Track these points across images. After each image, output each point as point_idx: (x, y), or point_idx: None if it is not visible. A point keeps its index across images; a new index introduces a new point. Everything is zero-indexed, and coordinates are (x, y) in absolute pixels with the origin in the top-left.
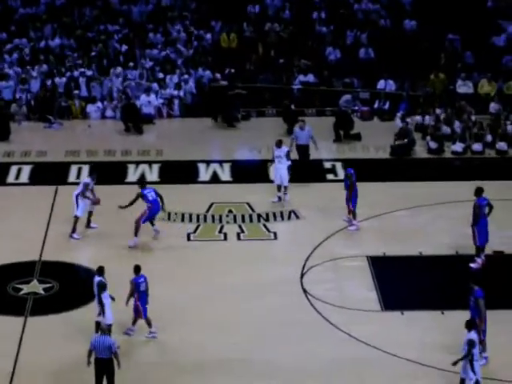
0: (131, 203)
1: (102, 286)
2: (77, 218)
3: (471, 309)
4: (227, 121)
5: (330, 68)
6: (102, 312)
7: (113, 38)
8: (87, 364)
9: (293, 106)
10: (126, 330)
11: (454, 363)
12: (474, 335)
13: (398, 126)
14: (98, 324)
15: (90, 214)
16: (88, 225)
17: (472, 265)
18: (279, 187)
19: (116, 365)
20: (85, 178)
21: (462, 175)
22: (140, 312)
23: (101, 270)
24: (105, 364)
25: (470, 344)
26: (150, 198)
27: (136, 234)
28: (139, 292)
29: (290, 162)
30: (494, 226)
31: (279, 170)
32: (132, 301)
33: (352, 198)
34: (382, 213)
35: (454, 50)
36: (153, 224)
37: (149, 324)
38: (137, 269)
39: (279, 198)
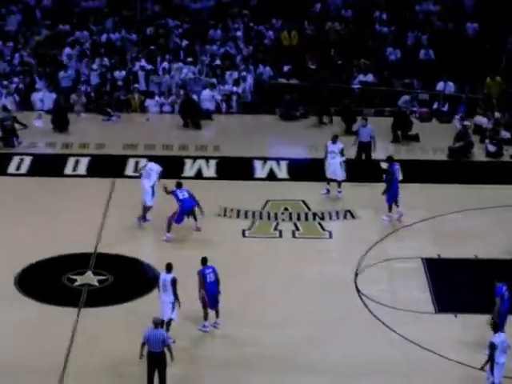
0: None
1: (175, 283)
2: (149, 207)
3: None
4: (283, 118)
5: (389, 68)
6: (173, 308)
7: (173, 33)
8: (139, 357)
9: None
10: (200, 327)
11: (481, 367)
12: (496, 338)
13: (456, 128)
14: (169, 322)
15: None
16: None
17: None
18: (329, 180)
19: (169, 358)
20: (155, 166)
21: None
22: (206, 303)
23: (170, 267)
24: (157, 357)
25: (491, 347)
26: (181, 197)
27: (168, 231)
28: (206, 283)
29: (344, 158)
30: None
31: (333, 165)
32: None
33: (388, 193)
34: (438, 215)
35: None
36: (195, 219)
37: (205, 317)
38: (204, 260)
39: (327, 191)
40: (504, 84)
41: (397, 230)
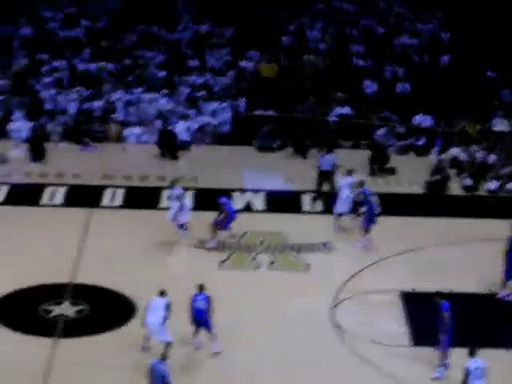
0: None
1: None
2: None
3: (438, 323)
4: (261, 149)
5: (366, 101)
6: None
7: (151, 64)
8: None
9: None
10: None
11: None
12: (471, 363)
13: (433, 162)
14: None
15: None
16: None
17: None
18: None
19: None
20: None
21: (496, 213)
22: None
23: (164, 292)
24: None
25: (466, 372)
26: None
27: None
28: (193, 308)
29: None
30: None
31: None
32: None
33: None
34: (415, 248)
35: (491, 87)
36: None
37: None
38: (200, 287)
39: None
40: (480, 130)
41: (374, 262)
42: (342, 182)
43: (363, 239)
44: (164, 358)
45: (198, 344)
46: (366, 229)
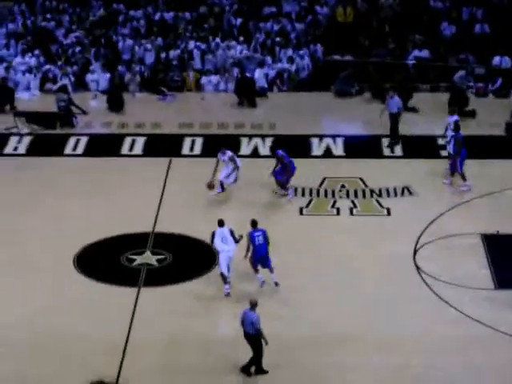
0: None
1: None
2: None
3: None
4: (339, 95)
5: (444, 43)
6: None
7: (226, 11)
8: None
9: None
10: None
11: None
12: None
13: None
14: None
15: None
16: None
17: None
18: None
19: (264, 342)
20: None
21: None
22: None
23: (222, 222)
24: (249, 339)
25: None
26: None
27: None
28: (255, 245)
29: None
30: None
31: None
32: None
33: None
34: (497, 190)
35: None
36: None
37: (256, 272)
38: (253, 223)
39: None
40: None
41: (455, 206)
42: (448, 120)
43: (465, 183)
44: (254, 305)
45: (262, 278)
46: (462, 174)
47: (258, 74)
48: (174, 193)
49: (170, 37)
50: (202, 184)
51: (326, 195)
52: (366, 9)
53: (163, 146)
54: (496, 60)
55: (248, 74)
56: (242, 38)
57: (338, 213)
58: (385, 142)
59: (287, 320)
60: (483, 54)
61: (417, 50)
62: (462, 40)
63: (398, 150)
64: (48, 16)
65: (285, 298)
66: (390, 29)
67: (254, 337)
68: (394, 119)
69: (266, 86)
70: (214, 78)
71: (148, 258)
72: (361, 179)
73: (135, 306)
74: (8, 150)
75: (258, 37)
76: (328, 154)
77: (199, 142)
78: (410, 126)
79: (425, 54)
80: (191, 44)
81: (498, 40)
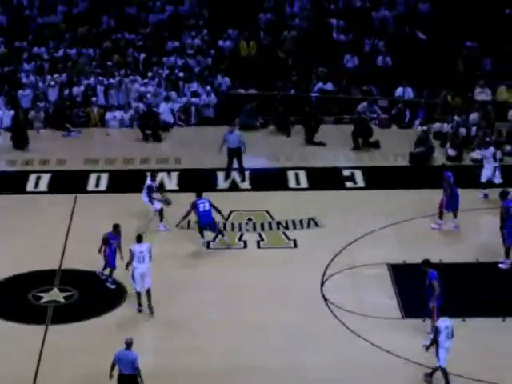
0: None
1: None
2: (159, 211)
3: (427, 290)
4: (243, 128)
5: (348, 75)
6: None
7: (131, 47)
8: (109, 377)
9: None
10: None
11: (426, 348)
12: (440, 323)
13: (416, 134)
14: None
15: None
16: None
17: (501, 265)
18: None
19: (140, 382)
20: (147, 181)
21: (480, 182)
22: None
23: (141, 237)
24: (127, 380)
25: (435, 331)
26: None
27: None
28: (199, 212)
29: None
30: None
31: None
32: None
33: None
34: (402, 220)
35: (472, 56)
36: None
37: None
38: (199, 193)
39: (485, 195)
40: (461, 104)
41: (361, 236)
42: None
43: (438, 221)
44: (130, 344)
45: (205, 243)
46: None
47: (163, 108)
48: (80, 229)
49: (74, 73)
50: (108, 220)
51: (232, 228)
52: (268, 42)
53: (68, 182)
54: (399, 91)
55: (153, 109)
56: (146, 73)
57: (245, 246)
58: (291, 174)
59: (194, 353)
60: (386, 85)
61: (321, 83)
62: (365, 72)
63: (304, 182)
64: None
65: (192, 331)
66: (294, 61)
67: (131, 377)
68: (233, 154)
69: (171, 120)
70: (119, 114)
71: (55, 295)
72: (267, 212)
73: (43, 344)
74: None
75: (161, 71)
76: (234, 187)
77: (104, 177)
78: (315, 157)
79: (329, 86)
80: (95, 80)
81: (400, 71)
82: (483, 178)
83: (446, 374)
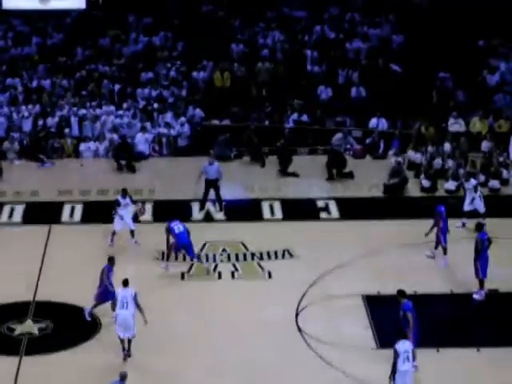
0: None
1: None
2: (114, 232)
3: (402, 321)
4: (218, 159)
5: (322, 107)
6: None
7: (105, 78)
8: None
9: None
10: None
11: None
12: (399, 345)
13: (390, 165)
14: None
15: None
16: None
17: (475, 296)
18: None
19: None
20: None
21: (455, 213)
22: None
23: (127, 282)
24: None
25: (394, 353)
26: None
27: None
28: (175, 234)
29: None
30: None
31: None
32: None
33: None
34: (376, 251)
35: (446, 88)
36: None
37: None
38: (171, 218)
39: (463, 224)
40: (435, 134)
41: (336, 267)
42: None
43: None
44: (124, 378)
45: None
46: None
47: (139, 138)
48: (54, 260)
49: (48, 104)
50: (82, 251)
51: (207, 259)
52: (243, 73)
53: (42, 213)
54: (373, 122)
55: (127, 140)
56: (121, 104)
57: (220, 277)
58: (265, 205)
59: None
60: (360, 116)
61: (296, 114)
62: (339, 103)
63: (279, 213)
64: None
65: (167, 364)
66: (268, 93)
67: None
68: (210, 185)
69: (147, 151)
70: (93, 145)
71: (29, 326)
72: (242, 243)
73: (17, 376)
74: None
75: (137, 103)
76: (208, 218)
77: (79, 208)
78: (289, 188)
79: (304, 117)
80: (69, 110)
81: (374, 102)
82: (465, 208)
83: None
